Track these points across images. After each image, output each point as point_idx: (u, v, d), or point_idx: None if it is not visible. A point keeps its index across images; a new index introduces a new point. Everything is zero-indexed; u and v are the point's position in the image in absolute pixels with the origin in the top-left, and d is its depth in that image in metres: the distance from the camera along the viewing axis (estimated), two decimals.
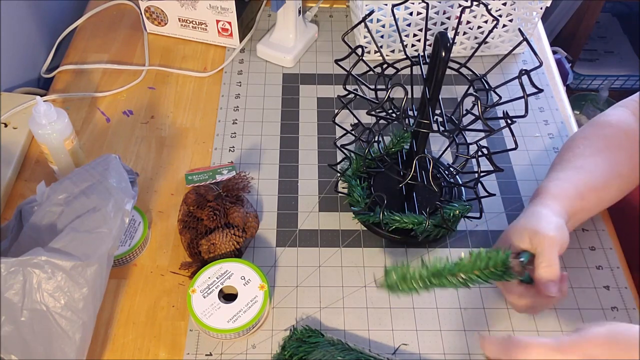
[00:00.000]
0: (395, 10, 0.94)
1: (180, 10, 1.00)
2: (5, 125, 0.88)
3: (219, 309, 0.68)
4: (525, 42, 0.67)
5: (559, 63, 1.76)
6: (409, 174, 0.73)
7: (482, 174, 0.71)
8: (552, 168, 0.76)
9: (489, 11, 0.71)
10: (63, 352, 0.60)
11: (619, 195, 0.74)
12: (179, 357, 0.68)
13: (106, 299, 0.71)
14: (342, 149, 0.79)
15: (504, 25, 0.99)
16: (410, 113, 0.71)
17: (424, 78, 0.67)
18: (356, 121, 0.76)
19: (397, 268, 0.61)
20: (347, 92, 0.71)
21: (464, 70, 0.71)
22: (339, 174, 0.83)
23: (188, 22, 1.01)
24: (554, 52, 1.85)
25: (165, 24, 1.03)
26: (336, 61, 0.70)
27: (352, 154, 0.80)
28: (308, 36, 1.02)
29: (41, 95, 0.93)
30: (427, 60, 0.66)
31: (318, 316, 0.71)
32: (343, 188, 0.83)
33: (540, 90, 0.62)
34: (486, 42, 1.02)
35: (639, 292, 0.75)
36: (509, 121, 0.65)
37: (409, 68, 0.71)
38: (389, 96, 0.66)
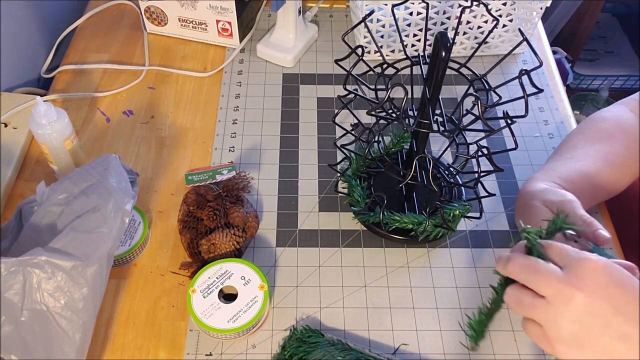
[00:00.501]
0: (395, 10, 0.94)
1: (180, 10, 1.00)
2: (5, 125, 0.88)
3: (219, 309, 0.68)
4: (525, 42, 0.67)
5: (559, 63, 1.76)
6: (408, 174, 0.73)
7: (482, 174, 0.71)
8: (546, 162, 0.77)
9: (489, 11, 0.71)
10: (63, 352, 0.60)
11: (616, 185, 0.75)
12: (179, 357, 0.68)
13: (106, 299, 0.71)
14: (342, 149, 0.79)
15: (504, 25, 0.99)
16: (410, 113, 0.71)
17: (424, 78, 0.67)
18: (356, 121, 0.76)
19: (474, 322, 0.59)
20: (347, 92, 0.71)
21: (464, 70, 0.71)
22: (339, 174, 0.83)
23: (188, 22, 1.01)
24: (554, 52, 1.85)
25: (165, 24, 1.03)
26: (336, 61, 0.70)
27: (352, 154, 0.80)
28: (308, 36, 1.02)
29: (41, 95, 0.93)
30: (427, 60, 0.66)
31: (318, 316, 0.71)
32: (343, 188, 0.83)
33: (541, 90, 0.62)
34: (486, 42, 1.02)
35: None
36: (509, 121, 0.65)
37: (409, 68, 0.71)
38: (389, 96, 0.66)
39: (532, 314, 0.50)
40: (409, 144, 0.81)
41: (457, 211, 0.75)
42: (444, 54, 0.61)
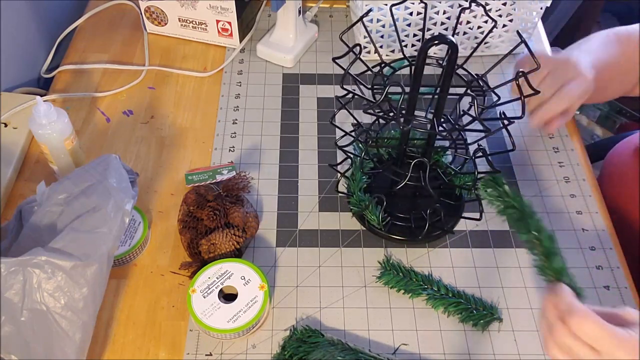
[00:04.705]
0: (394, 10, 0.94)
1: (180, 10, 1.00)
2: (5, 125, 0.88)
3: (219, 309, 0.68)
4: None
5: None
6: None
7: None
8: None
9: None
10: (63, 352, 0.60)
11: (610, 87, 0.82)
12: (179, 357, 0.68)
13: (106, 299, 0.71)
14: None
15: (504, 25, 0.99)
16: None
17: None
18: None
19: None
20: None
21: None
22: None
23: (188, 22, 1.01)
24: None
25: (165, 24, 1.03)
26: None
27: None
28: (308, 36, 1.02)
29: (41, 95, 0.92)
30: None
31: (318, 316, 0.71)
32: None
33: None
34: (486, 43, 1.02)
35: (639, 292, 0.75)
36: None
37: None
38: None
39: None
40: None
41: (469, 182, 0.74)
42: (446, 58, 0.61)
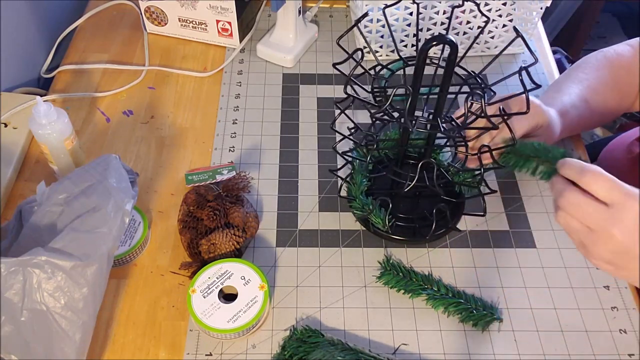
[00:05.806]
0: (395, 10, 0.94)
1: (180, 10, 1.00)
2: (5, 125, 0.88)
3: (219, 309, 0.68)
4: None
5: (559, 63, 1.76)
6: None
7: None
8: (545, 92, 0.84)
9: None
10: (63, 352, 0.60)
11: (606, 109, 0.84)
12: (179, 357, 0.68)
13: (106, 299, 0.71)
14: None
15: (504, 25, 0.99)
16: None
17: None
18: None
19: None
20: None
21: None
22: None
23: (188, 22, 1.01)
24: (554, 52, 1.85)
25: (165, 24, 1.03)
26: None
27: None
28: (308, 36, 1.02)
29: (41, 95, 0.93)
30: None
31: (318, 316, 0.71)
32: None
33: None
34: (486, 42, 1.02)
35: (639, 292, 0.75)
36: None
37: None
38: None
39: (577, 235, 0.57)
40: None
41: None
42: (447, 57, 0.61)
